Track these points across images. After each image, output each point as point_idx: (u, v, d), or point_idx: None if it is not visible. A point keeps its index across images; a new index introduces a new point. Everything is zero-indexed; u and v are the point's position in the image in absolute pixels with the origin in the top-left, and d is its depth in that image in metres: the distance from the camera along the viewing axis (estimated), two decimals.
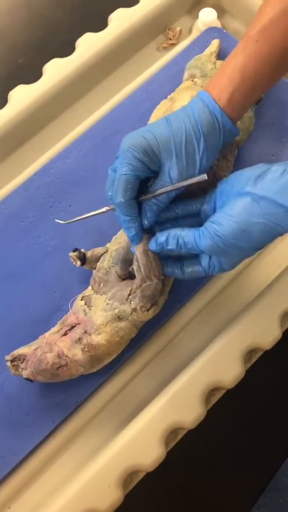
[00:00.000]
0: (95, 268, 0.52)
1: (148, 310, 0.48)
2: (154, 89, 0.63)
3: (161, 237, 0.45)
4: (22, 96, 0.62)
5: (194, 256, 0.46)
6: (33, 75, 0.63)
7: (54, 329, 0.51)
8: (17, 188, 0.60)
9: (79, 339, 0.48)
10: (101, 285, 0.50)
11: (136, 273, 0.48)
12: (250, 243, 0.42)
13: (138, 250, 0.47)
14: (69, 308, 0.52)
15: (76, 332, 0.49)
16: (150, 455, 0.48)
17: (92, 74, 0.64)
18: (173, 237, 0.45)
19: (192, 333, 0.55)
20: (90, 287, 0.52)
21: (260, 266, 0.57)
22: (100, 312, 0.49)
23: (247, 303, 0.54)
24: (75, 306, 0.51)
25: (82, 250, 0.52)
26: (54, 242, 0.58)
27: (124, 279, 0.50)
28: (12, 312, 0.55)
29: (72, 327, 0.50)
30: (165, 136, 0.44)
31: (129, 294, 0.48)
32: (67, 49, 0.64)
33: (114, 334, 0.48)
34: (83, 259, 0.52)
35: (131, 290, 0.48)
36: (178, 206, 0.48)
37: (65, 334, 0.49)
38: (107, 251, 0.52)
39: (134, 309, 0.48)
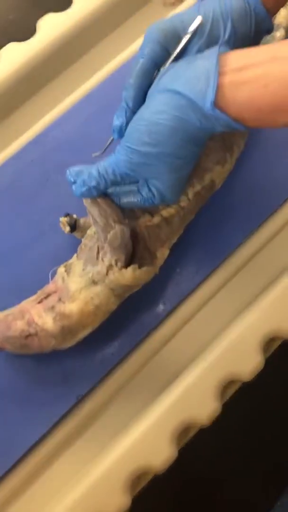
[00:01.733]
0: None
1: (126, 267, 0.44)
2: None
3: (83, 176, 0.42)
4: (13, 55, 0.55)
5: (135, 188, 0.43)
6: (26, 32, 0.57)
7: (32, 298, 0.47)
8: (8, 160, 0.54)
9: (52, 307, 0.44)
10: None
11: (96, 229, 0.44)
12: (162, 147, 0.38)
13: (86, 203, 0.44)
14: (50, 278, 0.48)
15: (51, 300, 0.45)
16: (160, 455, 0.43)
17: (92, 31, 0.58)
18: (94, 170, 0.42)
19: (205, 320, 0.49)
20: (75, 255, 0.47)
21: (275, 249, 0.52)
22: (75, 278, 0.45)
23: (266, 286, 0.49)
24: (56, 274, 0.47)
25: (74, 216, 0.48)
26: (51, 219, 0.52)
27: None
28: (1, 294, 0.50)
29: (49, 295, 0.46)
30: (192, 19, 0.40)
31: (98, 252, 0.44)
32: (63, 4, 0.58)
33: (88, 302, 0.44)
34: (73, 225, 0.48)
35: (98, 247, 0.44)
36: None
37: (40, 302, 0.46)
38: None
39: (109, 266, 0.43)
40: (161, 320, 0.49)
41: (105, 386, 0.48)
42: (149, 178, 0.41)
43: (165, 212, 0.46)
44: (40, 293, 0.47)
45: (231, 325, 0.47)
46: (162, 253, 0.46)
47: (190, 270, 0.50)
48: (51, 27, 0.56)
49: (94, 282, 0.44)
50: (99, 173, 0.41)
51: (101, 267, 0.44)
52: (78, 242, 0.49)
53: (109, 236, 0.43)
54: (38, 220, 0.52)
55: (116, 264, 0.43)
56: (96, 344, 0.47)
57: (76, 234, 0.49)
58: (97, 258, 0.44)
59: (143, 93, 0.41)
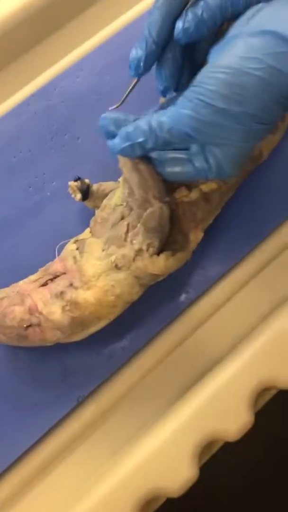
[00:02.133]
0: (99, 208, 0.39)
1: (158, 253, 0.36)
2: None
3: (127, 128, 0.33)
4: None
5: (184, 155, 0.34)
6: None
7: (32, 277, 0.38)
8: (8, 113, 0.46)
9: (61, 293, 0.36)
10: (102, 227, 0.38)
11: (130, 203, 0.36)
12: (245, 106, 0.30)
13: (124, 166, 0.35)
14: (56, 254, 0.39)
15: (59, 284, 0.37)
16: (178, 476, 0.35)
17: None
18: (144, 123, 0.33)
19: (236, 311, 0.41)
20: (88, 230, 0.39)
21: None
22: (93, 261, 0.36)
23: None
24: (64, 251, 0.39)
25: (87, 180, 0.40)
26: (54, 185, 0.44)
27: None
28: None
29: (56, 276, 0.37)
30: None
31: (127, 232, 0.36)
32: None
33: (108, 290, 0.36)
34: (86, 191, 0.39)
35: (128, 225, 0.36)
36: None
37: (44, 284, 0.37)
38: (117, 186, 0.39)
39: (139, 251, 0.35)
40: (182, 311, 0.40)
41: (111, 386, 0.39)
42: (211, 144, 0.32)
43: (205, 187, 0.38)
44: (42, 272, 0.38)
45: (268, 318, 0.39)
46: (196, 236, 0.38)
47: (220, 254, 0.41)
48: None
49: (117, 267, 0.36)
50: (150, 127, 0.32)
51: (128, 251, 0.36)
52: (88, 212, 0.41)
53: (145, 215, 0.35)
54: (39, 185, 0.44)
55: (147, 249, 0.35)
56: (104, 337, 0.39)
57: (88, 203, 0.41)
58: (125, 239, 0.36)
59: (172, 21, 0.33)
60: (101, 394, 0.39)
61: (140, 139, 0.33)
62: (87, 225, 0.42)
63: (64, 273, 0.37)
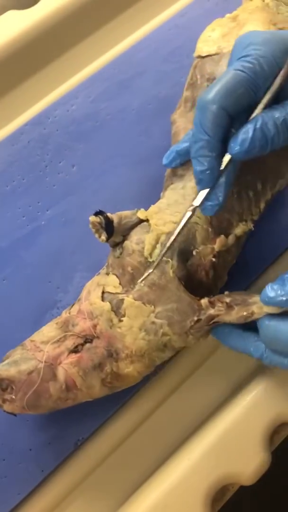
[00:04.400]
0: (117, 244, 0.35)
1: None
2: (187, 24, 0.49)
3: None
4: (13, 25, 0.47)
5: None
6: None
7: (49, 333, 0.33)
8: (1, 142, 0.44)
9: (100, 364, 0.32)
10: (141, 284, 0.33)
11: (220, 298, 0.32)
12: None
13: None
14: (82, 298, 0.34)
15: (95, 353, 0.32)
16: None
17: (107, 3, 0.49)
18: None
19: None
20: (112, 275, 0.34)
21: None
22: (138, 332, 0.32)
23: None
24: (90, 306, 0.33)
25: (110, 214, 0.34)
26: (49, 214, 0.42)
27: (184, 285, 0.33)
28: None
29: (86, 340, 0.33)
30: None
31: (192, 326, 0.32)
32: None
33: (150, 364, 0.33)
34: (110, 228, 0.33)
35: (197, 321, 0.32)
36: None
37: (75, 351, 0.33)
38: (138, 220, 0.35)
39: (194, 340, 0.33)
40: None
41: (113, 427, 0.36)
42: None
43: (239, 231, 0.35)
44: (63, 327, 0.33)
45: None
46: (222, 281, 0.36)
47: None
48: None
49: (165, 346, 0.33)
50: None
51: (182, 340, 0.33)
52: (85, 241, 0.39)
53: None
54: (33, 214, 0.42)
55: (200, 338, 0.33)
56: None
57: (110, 241, 0.35)
58: (188, 332, 0.32)
59: (227, 119, 0.31)
60: (97, 441, 0.36)
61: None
62: (84, 255, 0.40)
63: (97, 337, 0.33)
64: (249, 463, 0.33)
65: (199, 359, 0.37)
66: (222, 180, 0.31)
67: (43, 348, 0.32)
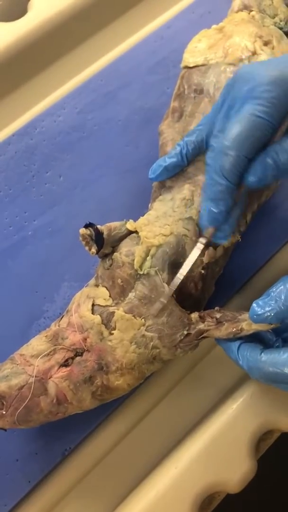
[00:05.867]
0: (107, 256, 0.35)
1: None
2: (172, 36, 0.49)
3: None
4: (1, 37, 0.47)
5: None
6: (16, 11, 0.49)
7: (39, 346, 0.33)
8: None
9: (90, 378, 0.32)
10: (131, 296, 0.33)
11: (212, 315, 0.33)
12: None
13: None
14: (72, 311, 0.34)
15: (86, 367, 0.32)
16: None
17: (93, 14, 0.50)
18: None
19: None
20: (102, 287, 0.34)
21: None
22: (129, 345, 0.32)
23: None
24: (80, 319, 0.33)
25: (99, 226, 0.34)
26: (36, 224, 0.42)
27: (177, 299, 0.33)
28: None
29: (76, 354, 0.33)
30: None
31: (182, 340, 0.33)
32: None
33: (139, 376, 0.33)
34: (100, 241, 0.33)
35: (187, 335, 0.32)
36: None
37: (65, 364, 0.32)
38: (127, 232, 0.35)
39: (183, 353, 0.33)
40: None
41: (100, 436, 0.36)
42: None
43: (226, 242, 0.35)
44: (52, 341, 0.33)
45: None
46: (209, 292, 0.36)
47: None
48: (45, 6, 0.48)
49: (154, 359, 0.33)
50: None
51: (171, 353, 0.33)
52: (71, 252, 0.39)
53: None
54: (20, 224, 0.42)
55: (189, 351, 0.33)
56: None
57: (99, 253, 0.34)
58: (177, 346, 0.33)
59: (245, 161, 0.31)
60: (85, 450, 0.36)
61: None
62: (71, 265, 0.40)
63: (87, 351, 0.32)
64: (235, 471, 0.33)
65: (185, 368, 0.38)
66: (237, 212, 0.32)
67: (33, 362, 0.32)
